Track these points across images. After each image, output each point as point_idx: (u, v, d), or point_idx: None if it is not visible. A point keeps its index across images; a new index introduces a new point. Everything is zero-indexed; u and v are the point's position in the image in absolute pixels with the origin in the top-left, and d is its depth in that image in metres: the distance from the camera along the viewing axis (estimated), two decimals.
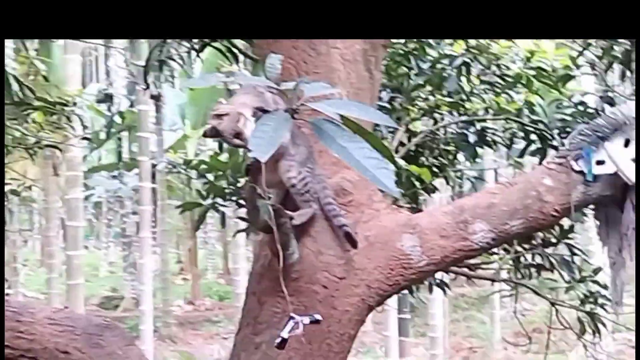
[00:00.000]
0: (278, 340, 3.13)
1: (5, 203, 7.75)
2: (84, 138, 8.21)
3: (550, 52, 6.80)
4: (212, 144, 27.52)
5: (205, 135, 3.25)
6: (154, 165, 13.15)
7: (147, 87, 7.25)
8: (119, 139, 23.93)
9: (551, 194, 3.49)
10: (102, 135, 17.39)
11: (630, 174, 3.47)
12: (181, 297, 25.96)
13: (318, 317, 3.18)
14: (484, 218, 3.46)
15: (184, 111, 24.17)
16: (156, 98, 15.58)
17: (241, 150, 6.09)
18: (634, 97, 5.68)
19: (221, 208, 6.29)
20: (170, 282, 18.10)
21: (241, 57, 6.75)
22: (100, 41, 27.69)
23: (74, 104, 7.16)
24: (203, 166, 6.28)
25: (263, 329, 3.33)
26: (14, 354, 3.21)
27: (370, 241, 3.43)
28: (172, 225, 25.97)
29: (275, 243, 3.14)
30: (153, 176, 15.81)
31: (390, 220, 3.49)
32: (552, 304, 6.34)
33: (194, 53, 6.75)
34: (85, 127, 8.05)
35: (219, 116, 3.05)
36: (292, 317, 3.13)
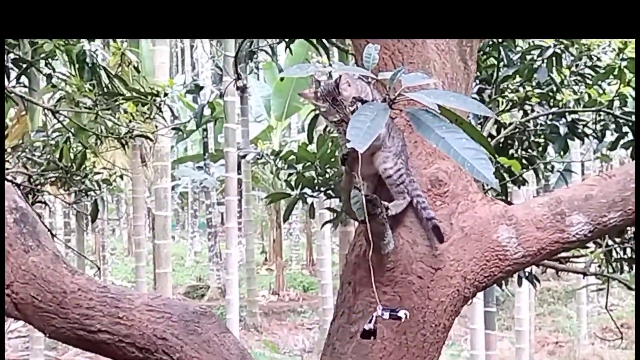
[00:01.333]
0: (362, 331, 3.15)
1: (97, 192, 7.85)
2: (174, 128, 8.32)
3: None
4: (296, 136, 27.80)
5: (304, 94, 3.20)
6: (242, 156, 13.24)
7: (238, 77, 7.33)
8: (205, 130, 24.17)
9: None
10: (190, 126, 17.53)
11: None
12: (266, 287, 26.17)
13: (401, 313, 3.17)
14: (581, 210, 3.41)
15: (269, 103, 24.31)
16: (242, 90, 15.70)
17: (330, 141, 6.13)
18: None
19: (309, 199, 6.31)
20: (255, 272, 18.20)
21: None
22: None
23: (165, 94, 7.24)
24: (292, 157, 6.29)
25: (358, 318, 3.33)
26: (112, 339, 3.27)
27: (465, 232, 3.40)
28: (256, 216, 26.19)
29: (370, 233, 3.14)
30: (239, 167, 15.90)
31: (486, 212, 3.46)
32: None
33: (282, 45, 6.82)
34: (175, 118, 8.15)
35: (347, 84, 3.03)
36: (375, 310, 3.14)
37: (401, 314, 3.17)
